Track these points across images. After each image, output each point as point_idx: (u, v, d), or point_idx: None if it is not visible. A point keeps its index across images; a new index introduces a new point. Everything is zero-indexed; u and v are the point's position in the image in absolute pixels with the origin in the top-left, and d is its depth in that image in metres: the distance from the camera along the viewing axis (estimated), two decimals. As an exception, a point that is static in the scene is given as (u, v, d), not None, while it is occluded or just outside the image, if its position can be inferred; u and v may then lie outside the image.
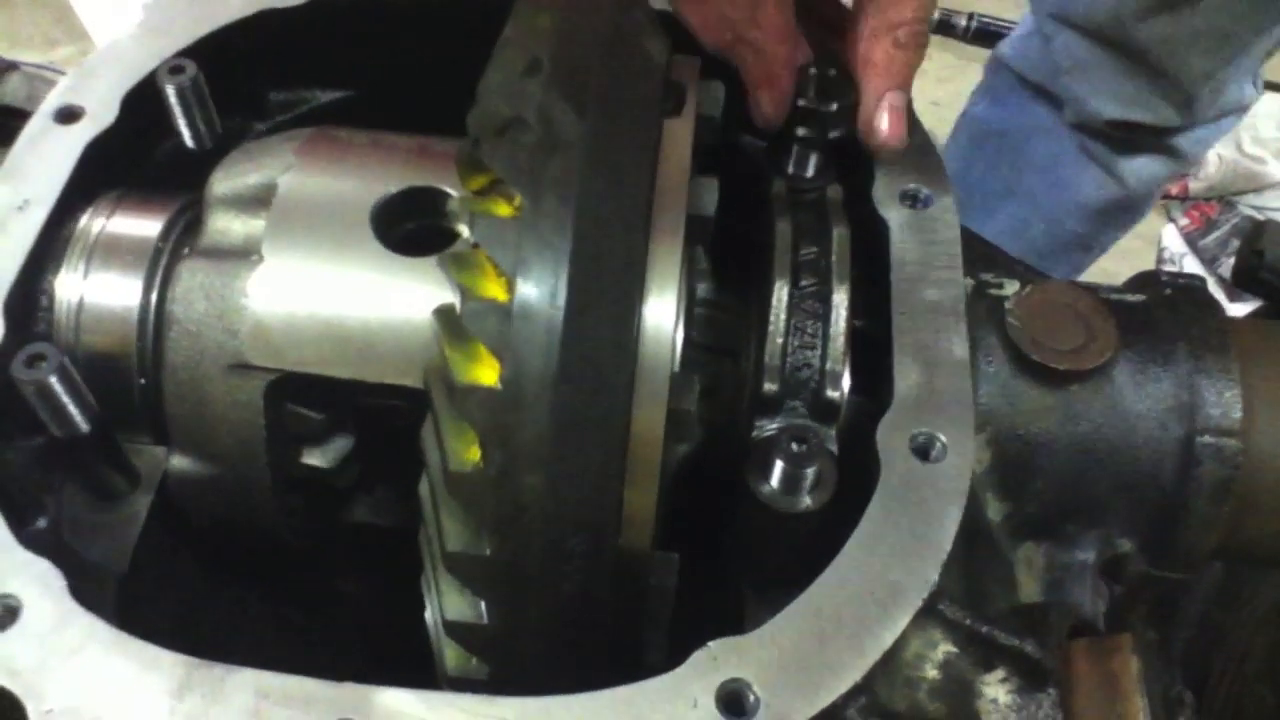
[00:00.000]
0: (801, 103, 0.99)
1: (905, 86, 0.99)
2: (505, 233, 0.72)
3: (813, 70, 1.00)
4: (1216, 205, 3.62)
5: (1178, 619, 1.42)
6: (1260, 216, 3.54)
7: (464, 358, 0.73)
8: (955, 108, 3.65)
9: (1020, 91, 2.35)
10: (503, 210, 0.75)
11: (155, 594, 1.01)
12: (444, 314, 0.76)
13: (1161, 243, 3.71)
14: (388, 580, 1.09)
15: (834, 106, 0.99)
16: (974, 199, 2.43)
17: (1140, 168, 2.32)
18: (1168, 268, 3.54)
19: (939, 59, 3.77)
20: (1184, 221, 3.71)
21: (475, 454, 0.73)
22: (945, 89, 3.73)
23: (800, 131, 1.00)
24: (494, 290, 0.73)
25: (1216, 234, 3.65)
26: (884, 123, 0.98)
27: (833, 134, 1.01)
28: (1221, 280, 3.46)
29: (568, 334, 0.72)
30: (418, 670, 0.84)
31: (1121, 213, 2.47)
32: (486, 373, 0.72)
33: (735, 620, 0.94)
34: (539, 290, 0.72)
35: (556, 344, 0.72)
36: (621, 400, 0.75)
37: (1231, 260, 3.59)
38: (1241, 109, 2.30)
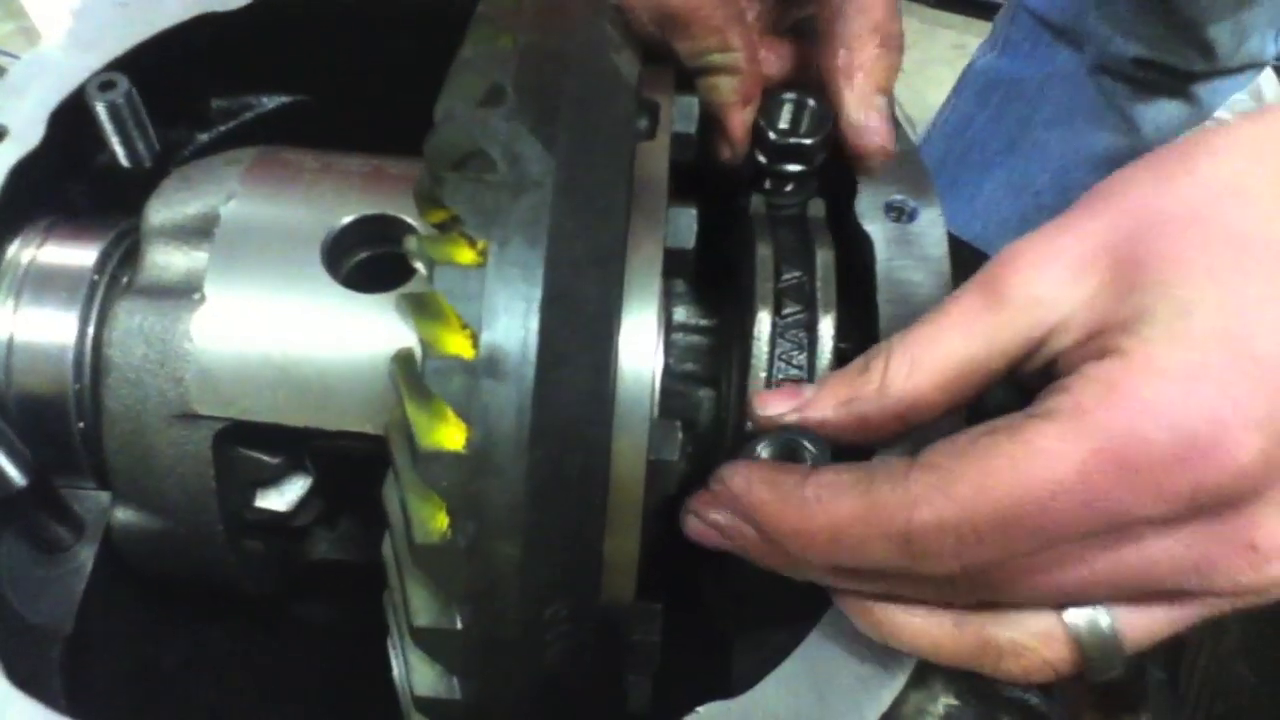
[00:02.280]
0: (772, 136, 0.93)
1: (889, 91, 0.95)
2: (469, 284, 0.66)
3: (787, 95, 0.94)
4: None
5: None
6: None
7: (427, 417, 0.67)
8: (920, 75, 3.59)
9: (1040, 35, 2.29)
10: (465, 255, 0.68)
11: (106, 646, 0.95)
12: (404, 363, 0.70)
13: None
14: (357, 610, 1.04)
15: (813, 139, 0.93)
16: (972, 154, 2.38)
17: (1158, 114, 2.28)
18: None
19: (904, 24, 3.69)
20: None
21: (443, 521, 0.67)
22: (909, 56, 3.66)
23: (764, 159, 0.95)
24: (458, 344, 0.67)
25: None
26: (876, 126, 0.93)
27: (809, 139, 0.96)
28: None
29: (540, 392, 0.66)
30: (393, 703, 0.79)
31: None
32: (452, 434, 0.66)
33: (722, 656, 0.90)
34: (507, 345, 0.66)
35: (528, 403, 0.66)
36: (600, 457, 0.70)
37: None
38: (1260, 63, 2.26)
